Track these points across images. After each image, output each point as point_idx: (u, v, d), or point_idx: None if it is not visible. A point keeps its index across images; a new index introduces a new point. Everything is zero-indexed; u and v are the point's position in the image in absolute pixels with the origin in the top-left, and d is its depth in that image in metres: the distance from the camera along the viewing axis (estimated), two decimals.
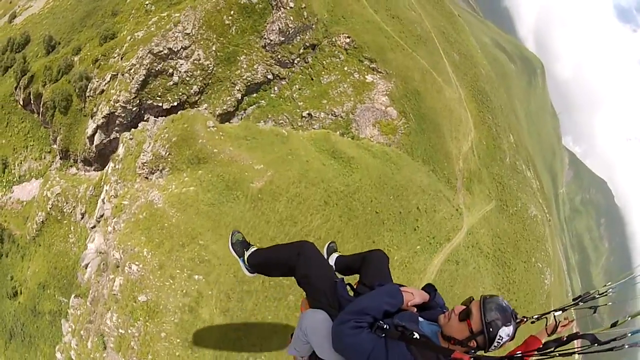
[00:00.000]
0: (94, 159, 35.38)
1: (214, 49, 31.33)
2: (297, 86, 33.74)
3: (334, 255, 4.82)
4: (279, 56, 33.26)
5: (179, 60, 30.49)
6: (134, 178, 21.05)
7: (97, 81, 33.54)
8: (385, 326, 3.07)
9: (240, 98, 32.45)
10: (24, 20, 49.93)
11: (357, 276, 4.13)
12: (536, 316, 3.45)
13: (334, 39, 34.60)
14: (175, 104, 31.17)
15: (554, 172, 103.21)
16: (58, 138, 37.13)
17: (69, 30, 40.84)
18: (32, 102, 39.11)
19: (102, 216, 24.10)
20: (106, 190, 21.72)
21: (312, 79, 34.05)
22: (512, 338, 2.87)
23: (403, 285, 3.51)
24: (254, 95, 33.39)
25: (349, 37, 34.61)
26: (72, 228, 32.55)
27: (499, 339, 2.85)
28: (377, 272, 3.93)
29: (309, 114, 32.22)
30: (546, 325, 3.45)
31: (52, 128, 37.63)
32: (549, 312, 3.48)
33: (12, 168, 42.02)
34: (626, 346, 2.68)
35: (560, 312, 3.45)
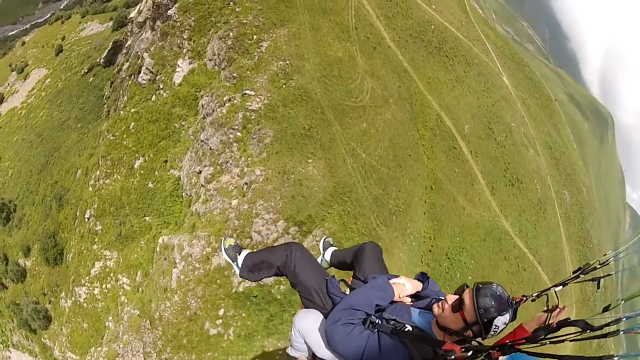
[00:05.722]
0: None
1: None
2: None
3: (330, 250, 4.56)
4: None
5: None
6: None
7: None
8: (377, 321, 3.02)
9: None
10: (3, 117, 40.43)
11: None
12: (536, 294, 3.23)
13: None
14: None
15: (617, 239, 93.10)
16: None
17: (25, 185, 30.36)
18: None
19: None
20: None
21: None
22: (513, 320, 2.73)
23: (396, 276, 3.44)
24: None
25: None
26: None
27: (494, 328, 2.70)
28: (370, 265, 3.75)
29: None
30: (547, 302, 3.08)
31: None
32: (549, 288, 3.19)
33: (4, 330, 36.91)
34: (621, 332, 2.25)
35: (561, 287, 3.12)
